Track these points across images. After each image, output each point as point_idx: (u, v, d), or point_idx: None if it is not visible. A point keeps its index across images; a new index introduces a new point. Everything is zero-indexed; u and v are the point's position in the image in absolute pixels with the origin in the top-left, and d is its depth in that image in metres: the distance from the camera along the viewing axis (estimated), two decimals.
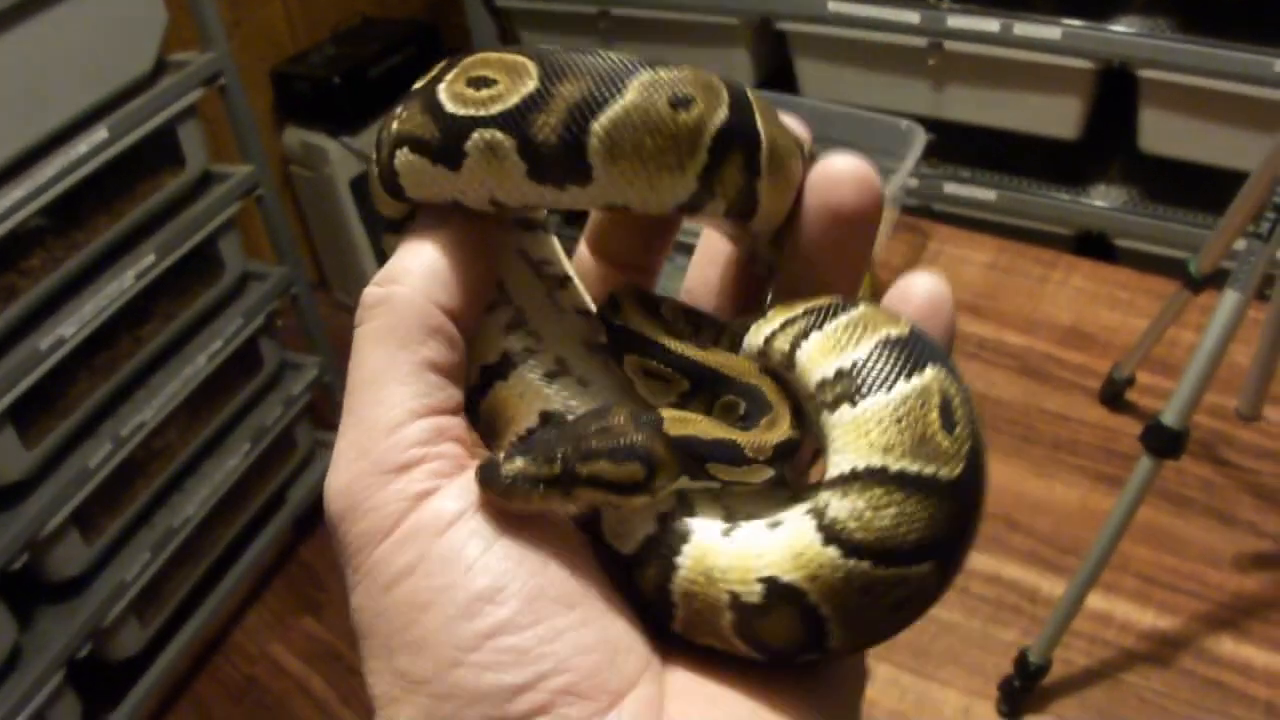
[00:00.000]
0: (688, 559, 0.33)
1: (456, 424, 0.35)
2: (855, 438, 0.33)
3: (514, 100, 0.34)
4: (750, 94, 0.36)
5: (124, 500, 1.87)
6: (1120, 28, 1.86)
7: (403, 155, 0.36)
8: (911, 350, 0.34)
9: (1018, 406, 1.34)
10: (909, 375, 0.33)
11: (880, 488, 0.32)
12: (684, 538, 0.34)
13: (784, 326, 0.36)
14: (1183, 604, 1.11)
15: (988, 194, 2.14)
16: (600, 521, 0.35)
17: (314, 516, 2.29)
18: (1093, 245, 2.10)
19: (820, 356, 0.34)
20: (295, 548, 2.37)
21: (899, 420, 0.32)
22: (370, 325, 0.35)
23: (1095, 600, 1.08)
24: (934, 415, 0.32)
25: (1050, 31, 1.89)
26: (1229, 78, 1.76)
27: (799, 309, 0.36)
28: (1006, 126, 2.09)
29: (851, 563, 0.31)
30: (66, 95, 1.65)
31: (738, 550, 0.33)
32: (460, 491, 0.33)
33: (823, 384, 0.34)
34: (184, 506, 1.96)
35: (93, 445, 1.76)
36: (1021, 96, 2.02)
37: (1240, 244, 1.00)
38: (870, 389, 0.33)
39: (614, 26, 2.44)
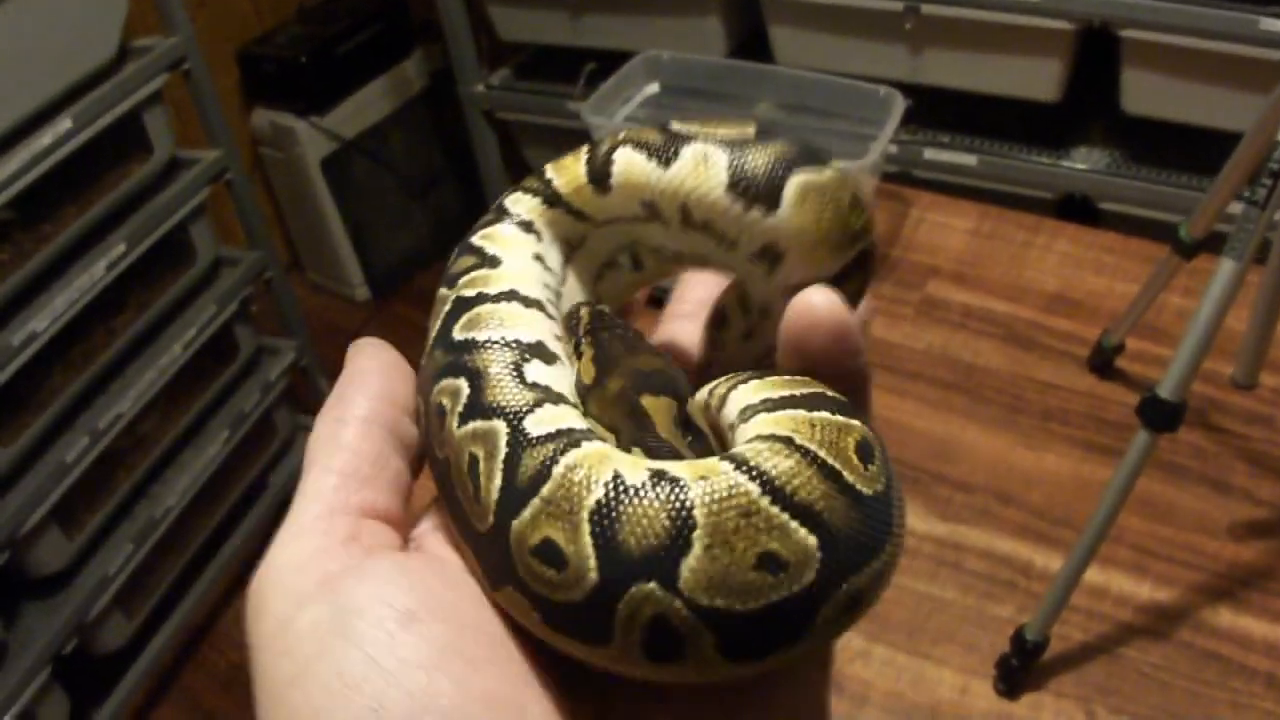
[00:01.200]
0: (593, 446, 0.32)
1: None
2: (764, 425, 0.32)
3: (734, 134, 0.39)
4: None
5: (104, 493, 1.85)
6: None
7: (624, 151, 0.40)
8: (847, 406, 0.34)
9: (1005, 375, 1.32)
10: (834, 413, 0.33)
11: (785, 446, 0.31)
12: (592, 440, 0.33)
13: (728, 379, 0.37)
14: (1179, 575, 1.10)
15: (968, 159, 2.12)
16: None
17: None
18: (1076, 209, 2.09)
19: (751, 393, 0.35)
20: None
21: (812, 425, 0.32)
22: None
23: (1091, 573, 1.06)
24: (850, 443, 0.32)
25: None
26: (1212, 36, 1.74)
27: (748, 372, 0.37)
28: (986, 90, 2.07)
29: (742, 479, 0.30)
30: (28, 87, 1.62)
31: (640, 455, 0.33)
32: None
33: (745, 408, 0.34)
34: (165, 497, 1.95)
35: (70, 439, 1.74)
36: (1000, 59, 2.00)
37: (1235, 209, 0.98)
38: (790, 407, 0.33)
39: (585, 0, 2.41)
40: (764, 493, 0.29)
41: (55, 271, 1.71)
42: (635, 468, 0.31)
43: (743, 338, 0.43)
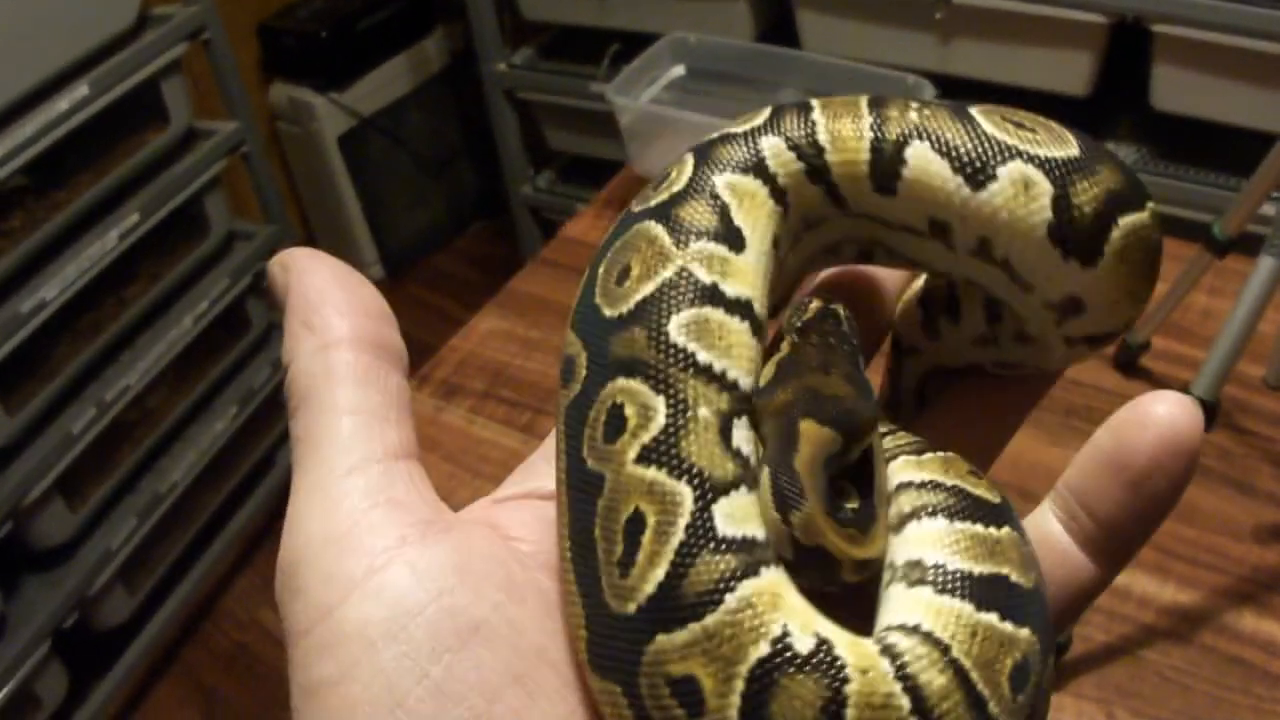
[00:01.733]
0: (771, 575, 0.29)
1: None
2: (925, 611, 0.29)
3: (1060, 154, 0.32)
4: None
5: (109, 466, 1.84)
6: None
7: (921, 148, 0.33)
8: (1023, 602, 0.30)
9: None
10: (1004, 617, 0.29)
11: (943, 659, 0.28)
12: (769, 563, 0.29)
13: (919, 486, 0.33)
14: (1202, 578, 1.08)
15: None
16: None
17: None
18: None
19: (930, 542, 0.31)
20: (284, 512, 2.33)
21: (974, 634, 0.29)
22: None
23: None
24: (1008, 663, 0.29)
25: None
26: (1245, 33, 1.71)
27: (947, 476, 0.33)
28: (1015, 82, 2.04)
29: (896, 689, 0.27)
30: (46, 51, 1.61)
31: (808, 604, 0.29)
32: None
33: (915, 563, 0.31)
34: (171, 471, 1.93)
35: (76, 410, 1.73)
36: (1031, 51, 1.97)
37: (1269, 210, 0.96)
38: (960, 595, 0.30)
39: None
40: (912, 712, 0.27)
41: (67, 239, 1.70)
42: (804, 627, 0.28)
43: (975, 342, 0.38)
